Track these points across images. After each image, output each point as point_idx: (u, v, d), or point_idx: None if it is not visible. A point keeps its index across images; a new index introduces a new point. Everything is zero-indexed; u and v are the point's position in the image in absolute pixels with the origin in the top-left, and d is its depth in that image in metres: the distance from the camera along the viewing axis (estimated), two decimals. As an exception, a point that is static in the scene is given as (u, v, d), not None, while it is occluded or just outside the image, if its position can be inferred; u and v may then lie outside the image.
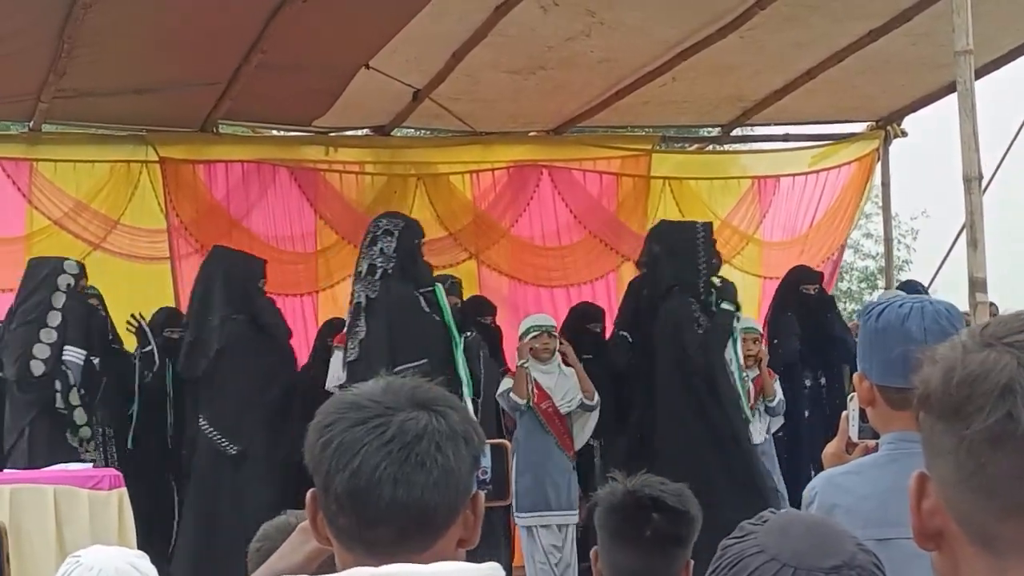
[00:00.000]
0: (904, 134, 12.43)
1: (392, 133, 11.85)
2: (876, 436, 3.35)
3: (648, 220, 12.10)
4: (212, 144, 11.09)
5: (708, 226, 9.76)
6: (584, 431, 9.42)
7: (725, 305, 9.36)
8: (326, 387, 8.92)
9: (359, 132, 11.97)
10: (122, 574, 3.67)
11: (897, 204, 13.37)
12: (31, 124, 10.51)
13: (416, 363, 8.34)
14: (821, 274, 10.98)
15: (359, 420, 2.04)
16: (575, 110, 11.43)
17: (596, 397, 9.32)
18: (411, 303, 8.76)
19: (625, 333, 9.72)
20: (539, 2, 8.98)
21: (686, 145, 13.49)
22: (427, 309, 8.79)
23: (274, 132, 12.09)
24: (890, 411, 3.22)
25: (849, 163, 12.48)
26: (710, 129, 13.11)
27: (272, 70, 9.45)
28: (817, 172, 12.49)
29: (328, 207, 11.35)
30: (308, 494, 2.12)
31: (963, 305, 5.15)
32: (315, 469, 2.07)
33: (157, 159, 10.79)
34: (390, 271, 8.75)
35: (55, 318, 8.66)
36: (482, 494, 2.16)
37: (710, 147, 13.76)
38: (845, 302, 25.49)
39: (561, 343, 9.33)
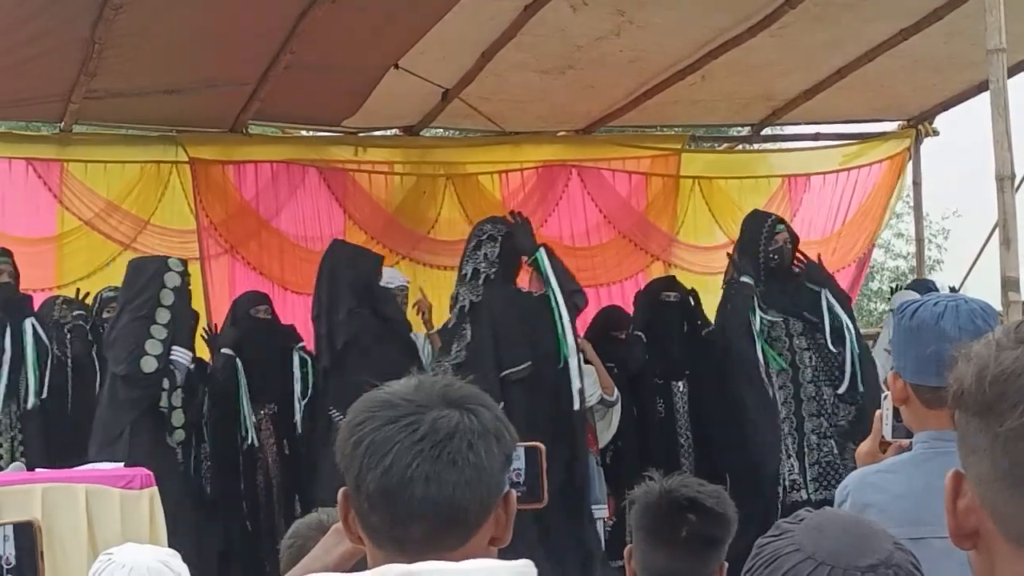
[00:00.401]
0: (935, 133, 12.38)
1: (421, 133, 11.85)
2: (910, 435, 3.34)
3: (678, 220, 12.10)
4: (242, 144, 11.11)
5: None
6: (609, 428, 9.45)
7: (745, 279, 9.41)
8: None
9: (388, 132, 11.98)
10: (154, 572, 3.69)
11: (928, 203, 13.31)
12: (62, 125, 10.54)
13: (521, 366, 8.67)
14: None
15: (391, 418, 2.04)
16: (604, 110, 11.42)
17: (616, 393, 9.38)
18: (514, 307, 8.93)
19: (640, 333, 9.80)
20: (569, 1, 8.96)
21: (716, 144, 13.47)
22: (531, 312, 8.89)
23: (303, 132, 12.11)
24: (924, 410, 3.21)
25: (880, 161, 12.44)
26: (740, 128, 13.08)
27: (301, 70, 9.46)
28: (848, 171, 12.45)
29: (357, 207, 11.35)
30: (340, 493, 2.12)
31: (996, 305, 5.12)
32: (347, 467, 2.07)
33: (187, 160, 10.82)
34: (492, 276, 8.93)
35: (164, 315, 8.70)
36: (514, 492, 2.15)
37: (740, 146, 13.72)
38: (876, 302, 25.38)
39: (578, 339, 9.35)
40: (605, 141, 12.13)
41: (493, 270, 8.92)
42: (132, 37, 8.59)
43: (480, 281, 8.93)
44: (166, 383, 8.62)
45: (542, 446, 2.58)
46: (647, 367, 9.68)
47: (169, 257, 9.13)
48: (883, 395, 3.50)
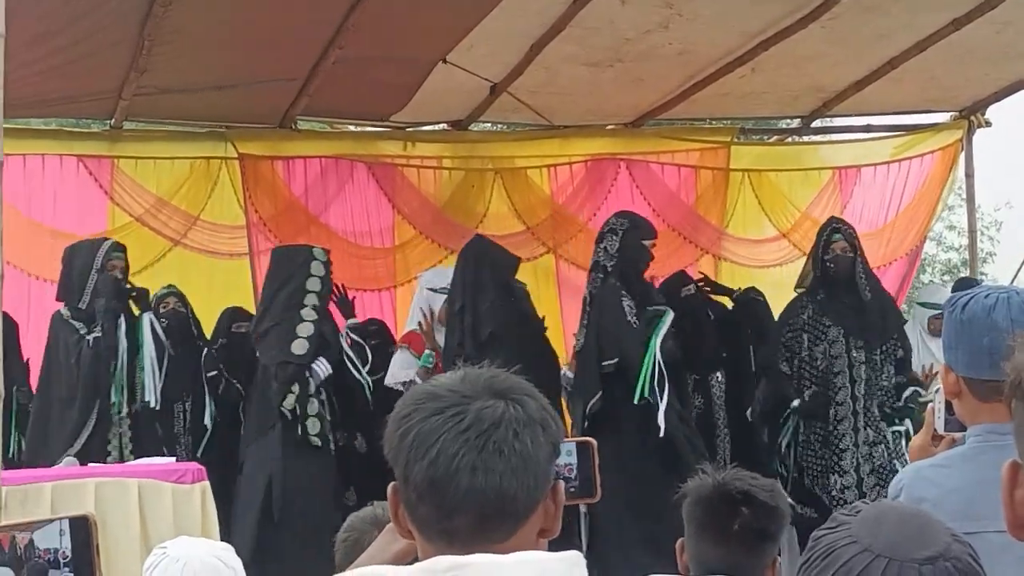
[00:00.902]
0: (988, 124, 12.29)
1: (470, 127, 11.86)
2: (963, 428, 3.32)
3: (727, 213, 12.06)
4: (290, 140, 11.14)
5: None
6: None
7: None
8: (386, 383, 9.27)
9: (437, 127, 11.99)
10: (207, 566, 3.70)
11: (980, 195, 13.21)
12: (112, 121, 10.60)
13: (610, 361, 8.78)
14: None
15: (436, 410, 2.05)
16: (653, 103, 11.38)
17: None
18: (613, 304, 8.93)
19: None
20: (617, -6, 8.96)
21: (765, 137, 13.41)
22: (631, 312, 8.90)
23: (351, 127, 12.12)
24: (977, 403, 3.18)
25: (931, 153, 12.35)
26: (790, 121, 13.02)
27: (350, 65, 9.48)
28: (899, 162, 12.37)
29: (406, 202, 11.37)
30: (389, 488, 2.14)
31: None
32: (394, 460, 2.08)
33: (236, 155, 10.86)
34: (610, 269, 9.00)
35: (312, 299, 8.92)
36: (562, 483, 2.16)
37: (790, 139, 13.66)
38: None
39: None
40: (654, 134, 12.10)
41: (611, 262, 8.98)
42: (181, 33, 8.63)
43: (598, 273, 9.06)
44: (296, 387, 8.69)
45: (593, 441, 2.58)
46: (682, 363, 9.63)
47: (313, 246, 9.20)
48: (935, 389, 3.48)
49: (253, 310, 9.79)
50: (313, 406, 8.74)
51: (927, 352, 9.86)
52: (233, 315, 9.87)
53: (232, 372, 9.54)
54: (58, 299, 9.11)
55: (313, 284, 8.90)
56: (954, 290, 10.56)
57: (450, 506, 2.01)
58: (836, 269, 9.20)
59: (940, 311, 10.17)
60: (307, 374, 8.74)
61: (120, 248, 9.15)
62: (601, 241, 9.11)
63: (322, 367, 8.82)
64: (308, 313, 8.83)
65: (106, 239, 9.34)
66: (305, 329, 8.76)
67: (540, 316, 9.56)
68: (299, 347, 8.73)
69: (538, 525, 2.09)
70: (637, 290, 9.01)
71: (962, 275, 22.08)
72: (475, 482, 2.00)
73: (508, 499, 2.02)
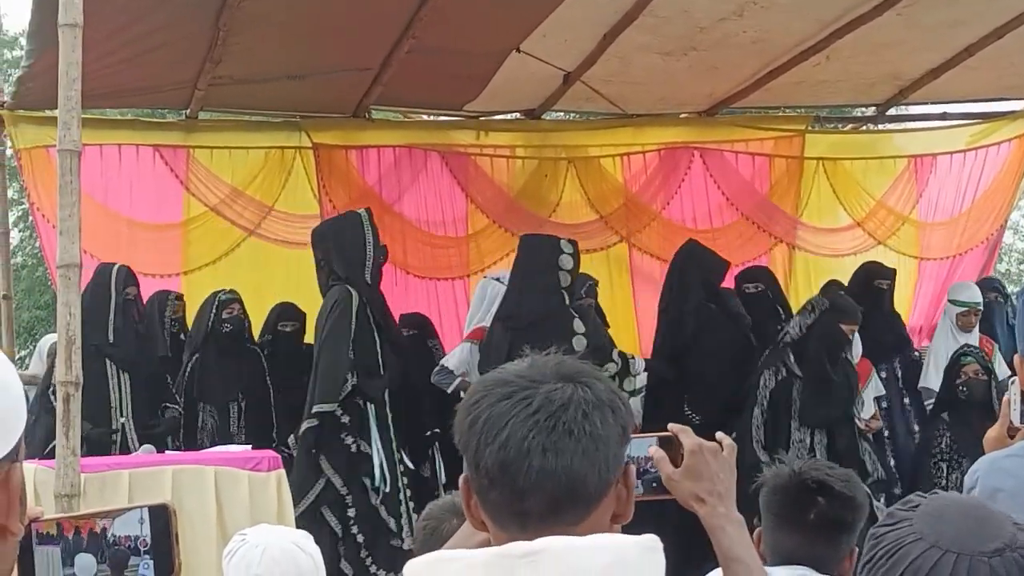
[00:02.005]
0: (1065, 112, 12.16)
1: (543, 116, 11.84)
2: (1039, 419, 3.29)
3: (801, 202, 12.00)
4: (364, 129, 11.17)
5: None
6: None
7: None
8: (431, 379, 9.25)
9: (510, 116, 11.98)
10: (287, 553, 3.72)
11: (1057, 183, 13.07)
12: (188, 112, 10.66)
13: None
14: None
15: (505, 395, 2.06)
16: (727, 91, 11.34)
17: None
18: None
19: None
20: (691, -18, 8.93)
21: (840, 125, 13.32)
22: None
23: (425, 117, 12.15)
24: (1054, 394, 3.16)
25: (1008, 141, 12.23)
26: (865, 109, 12.93)
27: (423, 55, 9.49)
28: (975, 150, 12.26)
29: (479, 191, 11.38)
30: (460, 479, 2.14)
31: None
32: (464, 446, 2.09)
33: (310, 145, 10.90)
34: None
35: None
36: (633, 468, 2.16)
37: (865, 127, 13.57)
38: (1005, 284, 24.99)
39: None
40: (728, 123, 12.05)
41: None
42: (256, 24, 8.68)
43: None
44: None
45: (676, 437, 2.55)
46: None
47: (560, 238, 9.21)
48: (1010, 380, 3.46)
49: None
50: None
51: (956, 346, 9.87)
52: (281, 313, 9.98)
53: (276, 369, 9.70)
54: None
55: (564, 279, 8.91)
56: (979, 288, 10.63)
57: (522, 488, 2.01)
58: (969, 395, 9.21)
59: (967, 307, 10.28)
60: None
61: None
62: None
63: None
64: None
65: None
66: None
67: (747, 319, 9.67)
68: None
69: (610, 509, 2.09)
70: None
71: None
72: (546, 463, 2.00)
73: (579, 480, 2.02)
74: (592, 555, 1.91)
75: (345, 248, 8.79)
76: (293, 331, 9.94)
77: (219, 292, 9.72)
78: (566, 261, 8.84)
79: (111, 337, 8.80)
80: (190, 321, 9.92)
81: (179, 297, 10.04)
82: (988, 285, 11.08)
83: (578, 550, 1.92)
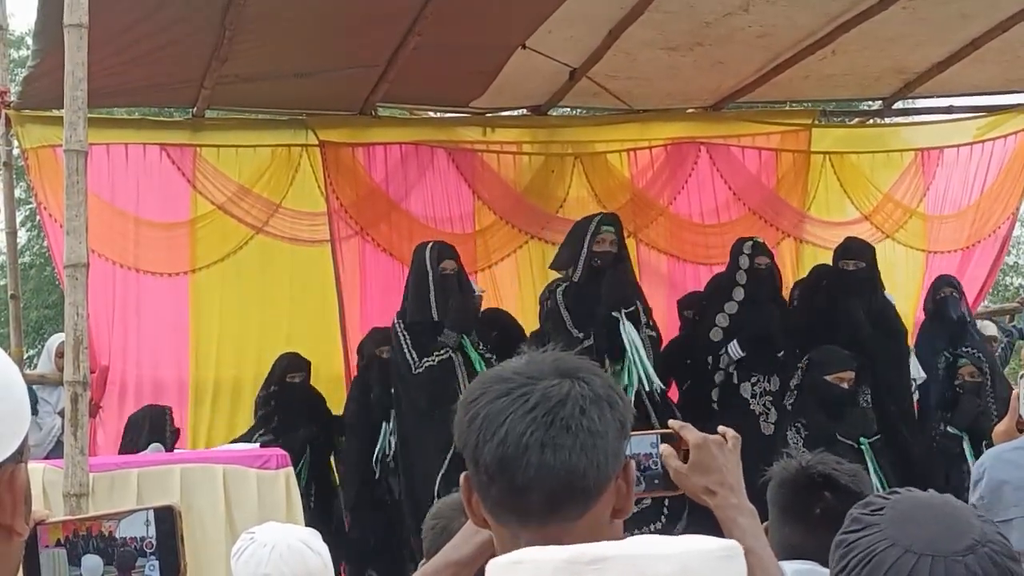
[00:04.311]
0: (1071, 104, 12.14)
1: (549, 112, 11.84)
2: (1048, 413, 3.29)
3: (809, 196, 11.99)
4: (371, 127, 11.16)
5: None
6: None
7: None
8: None
9: (516, 112, 11.99)
10: (295, 551, 3.73)
11: (1066, 175, 13.05)
12: (194, 110, 10.65)
13: None
14: None
15: (503, 392, 2.07)
16: (733, 86, 11.32)
17: None
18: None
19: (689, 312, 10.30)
20: (696, -23, 8.92)
21: (846, 119, 13.31)
22: None
23: (431, 114, 12.15)
24: (1064, 388, 3.16)
25: (1016, 133, 12.22)
26: (871, 103, 12.91)
27: (429, 52, 9.49)
28: (982, 143, 12.25)
29: (486, 188, 11.37)
30: (461, 477, 2.15)
31: None
32: (464, 444, 2.10)
33: (317, 143, 10.89)
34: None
35: (739, 293, 9.70)
36: (633, 463, 2.16)
37: (871, 121, 13.56)
38: (1012, 276, 24.99)
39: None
40: (734, 117, 12.04)
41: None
42: (262, 22, 8.68)
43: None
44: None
45: (679, 434, 2.56)
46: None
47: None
48: (1020, 375, 3.46)
49: (334, 300, 9.94)
50: None
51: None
52: (289, 364, 9.98)
53: (286, 417, 9.73)
54: None
55: (741, 277, 9.66)
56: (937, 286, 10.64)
57: (521, 484, 2.02)
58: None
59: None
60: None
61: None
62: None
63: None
64: (730, 306, 9.63)
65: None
66: (722, 319, 9.56)
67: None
68: (715, 335, 9.52)
69: (610, 504, 2.09)
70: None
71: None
72: (544, 458, 2.01)
73: (578, 475, 2.02)
74: (664, 563, 1.86)
75: None
76: (301, 381, 9.98)
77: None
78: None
79: None
80: None
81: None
82: (945, 282, 10.88)
83: (650, 558, 1.88)
